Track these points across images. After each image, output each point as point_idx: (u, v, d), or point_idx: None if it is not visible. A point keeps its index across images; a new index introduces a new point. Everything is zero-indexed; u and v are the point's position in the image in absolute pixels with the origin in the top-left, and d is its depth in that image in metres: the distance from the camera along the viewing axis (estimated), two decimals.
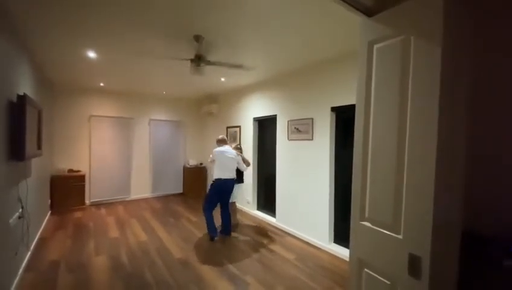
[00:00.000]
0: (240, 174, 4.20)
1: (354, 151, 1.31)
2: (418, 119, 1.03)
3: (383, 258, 1.16)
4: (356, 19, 1.28)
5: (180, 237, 3.90)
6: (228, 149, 3.94)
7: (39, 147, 3.23)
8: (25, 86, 2.94)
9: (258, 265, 3.08)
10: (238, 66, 3.26)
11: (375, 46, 1.21)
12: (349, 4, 1.18)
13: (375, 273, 1.20)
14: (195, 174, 6.88)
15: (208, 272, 2.90)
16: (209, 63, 3.03)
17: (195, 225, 4.45)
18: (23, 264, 2.85)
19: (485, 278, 1.10)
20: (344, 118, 3.47)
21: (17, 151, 2.41)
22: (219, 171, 3.82)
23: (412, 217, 1.05)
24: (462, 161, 1.08)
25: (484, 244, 1.12)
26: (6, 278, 2.32)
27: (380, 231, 1.17)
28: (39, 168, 3.80)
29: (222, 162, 3.82)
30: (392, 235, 1.12)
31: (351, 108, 1.31)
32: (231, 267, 3.00)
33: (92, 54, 3.41)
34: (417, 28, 1.04)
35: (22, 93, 2.52)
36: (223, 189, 3.84)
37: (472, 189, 1.17)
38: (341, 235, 3.52)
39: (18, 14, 2.35)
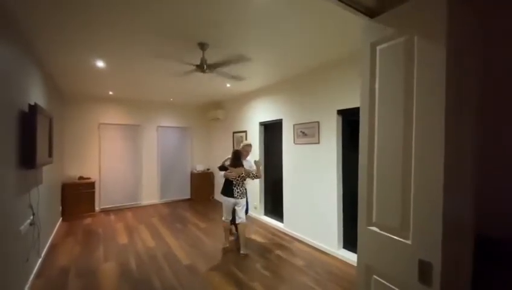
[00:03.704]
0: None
1: (359, 155, 1.29)
2: (424, 121, 1.01)
3: (391, 265, 1.13)
4: (359, 20, 1.27)
5: (187, 243, 3.90)
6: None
7: (50, 154, 3.31)
8: (36, 96, 3.03)
9: (266, 272, 3.04)
10: (241, 78, 3.25)
11: (378, 48, 1.19)
12: (350, 6, 1.17)
13: (384, 280, 1.16)
14: (202, 180, 6.91)
15: (215, 278, 2.88)
16: (214, 69, 3.06)
17: (203, 231, 4.45)
18: (34, 271, 2.89)
19: (499, 283, 1.05)
20: (351, 121, 3.42)
21: (28, 159, 2.47)
22: None
23: (420, 221, 1.01)
24: (471, 162, 1.05)
25: (497, 246, 1.08)
26: (17, 284, 2.36)
27: (388, 236, 1.14)
28: (50, 176, 3.88)
29: None
30: (400, 241, 1.08)
31: (358, 110, 1.29)
32: (239, 274, 2.97)
33: (100, 64, 3.50)
34: (420, 28, 1.02)
35: (33, 103, 2.59)
36: None
37: (483, 190, 1.13)
38: (351, 240, 3.44)
39: (29, 26, 2.44)
